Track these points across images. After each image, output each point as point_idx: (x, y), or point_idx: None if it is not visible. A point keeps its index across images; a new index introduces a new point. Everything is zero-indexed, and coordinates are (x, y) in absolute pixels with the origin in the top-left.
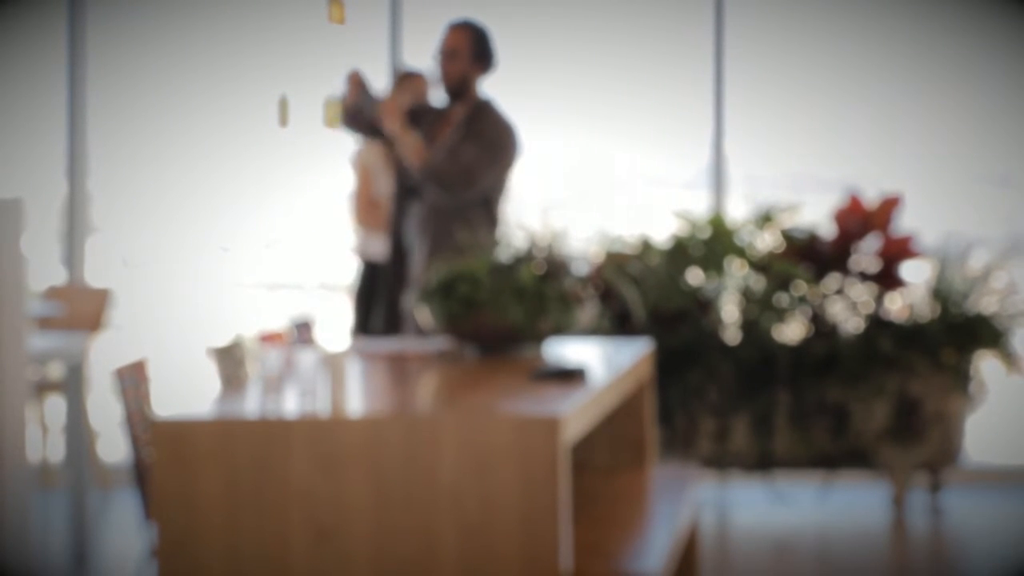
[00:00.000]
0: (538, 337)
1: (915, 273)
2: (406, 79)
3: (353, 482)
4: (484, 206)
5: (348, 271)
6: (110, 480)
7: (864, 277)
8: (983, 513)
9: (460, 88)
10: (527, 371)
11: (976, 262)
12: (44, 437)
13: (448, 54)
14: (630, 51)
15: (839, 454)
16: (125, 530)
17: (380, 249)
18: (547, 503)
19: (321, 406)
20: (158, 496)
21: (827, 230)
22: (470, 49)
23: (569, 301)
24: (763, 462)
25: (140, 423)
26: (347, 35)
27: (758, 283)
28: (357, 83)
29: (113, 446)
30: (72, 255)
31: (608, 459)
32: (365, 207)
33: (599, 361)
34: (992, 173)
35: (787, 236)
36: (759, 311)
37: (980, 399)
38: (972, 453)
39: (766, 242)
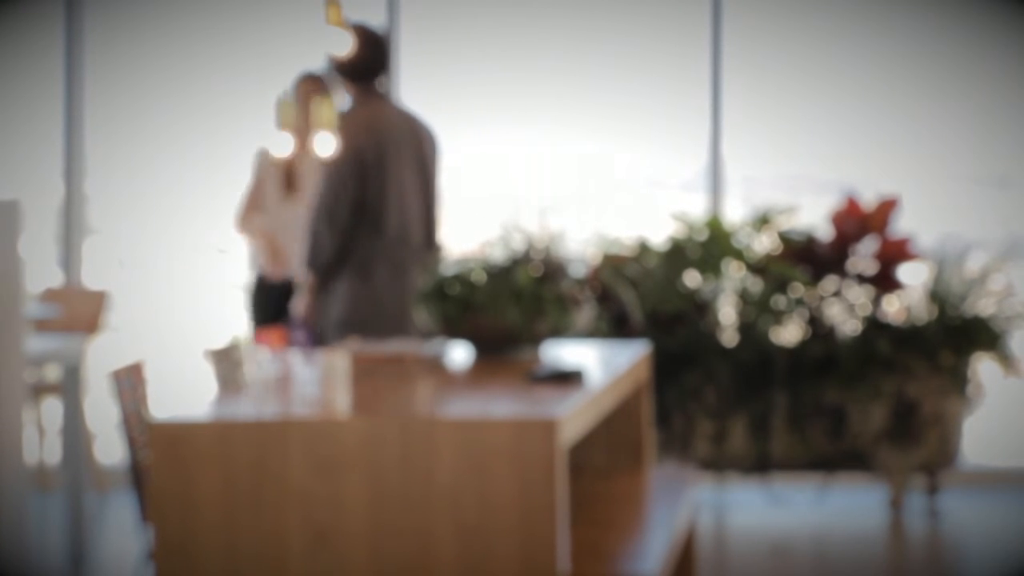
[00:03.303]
0: (535, 339)
1: (912, 275)
2: (303, 84)
3: (350, 484)
4: (370, 224)
5: (244, 278)
6: (107, 482)
7: (861, 279)
8: (981, 515)
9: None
10: (524, 373)
11: (974, 264)
12: (41, 439)
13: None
14: (627, 52)
15: (836, 456)
16: (122, 532)
17: (264, 262)
18: (545, 505)
19: (318, 408)
20: (155, 498)
21: (824, 232)
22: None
23: (566, 303)
24: (760, 464)
25: (137, 425)
26: (344, 37)
27: (755, 285)
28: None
29: (110, 448)
30: (69, 257)
31: (605, 461)
32: (250, 214)
33: (596, 363)
34: (990, 175)
35: (784, 238)
36: (756, 313)
37: (978, 401)
38: (970, 455)
39: (763, 244)
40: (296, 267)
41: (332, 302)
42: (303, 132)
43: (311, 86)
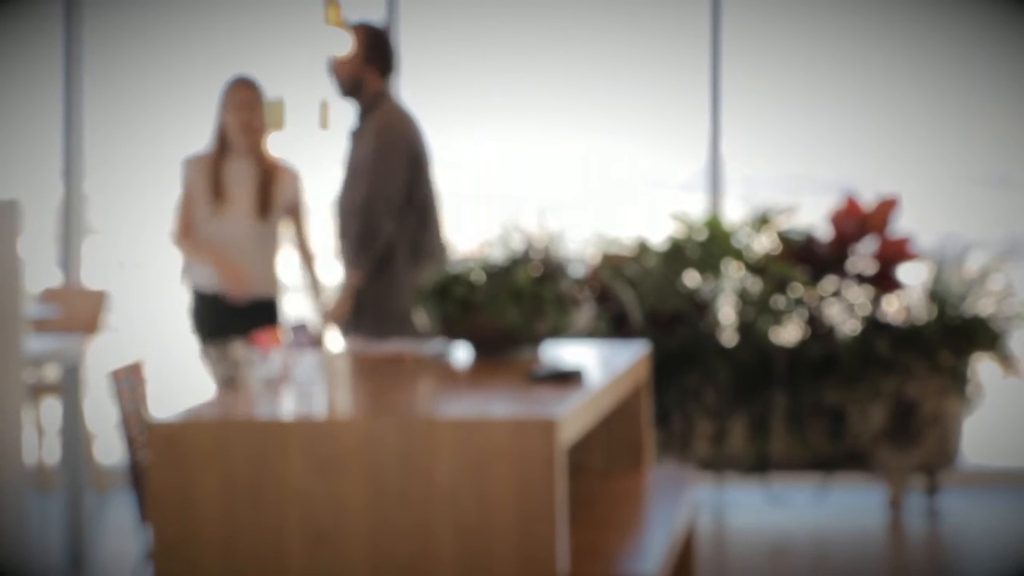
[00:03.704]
0: (535, 339)
1: (912, 275)
2: (235, 89)
3: (350, 484)
4: (417, 217)
5: (186, 298)
6: (106, 482)
7: (861, 279)
8: (980, 515)
9: (353, 89)
10: (524, 373)
11: (973, 264)
12: (40, 439)
13: (340, 56)
14: (627, 52)
15: (836, 456)
16: (121, 532)
17: (204, 281)
18: (544, 505)
19: (317, 407)
20: (154, 498)
21: (824, 232)
22: (361, 50)
23: (566, 303)
24: (760, 464)
25: (136, 425)
26: (344, 37)
27: (755, 285)
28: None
29: (109, 448)
30: (68, 257)
31: (605, 461)
32: (185, 229)
33: (596, 363)
34: (989, 175)
35: (784, 238)
36: (756, 313)
37: (977, 401)
38: (969, 455)
39: (763, 244)
40: (254, 280)
41: (386, 293)
42: (235, 139)
43: (244, 92)
